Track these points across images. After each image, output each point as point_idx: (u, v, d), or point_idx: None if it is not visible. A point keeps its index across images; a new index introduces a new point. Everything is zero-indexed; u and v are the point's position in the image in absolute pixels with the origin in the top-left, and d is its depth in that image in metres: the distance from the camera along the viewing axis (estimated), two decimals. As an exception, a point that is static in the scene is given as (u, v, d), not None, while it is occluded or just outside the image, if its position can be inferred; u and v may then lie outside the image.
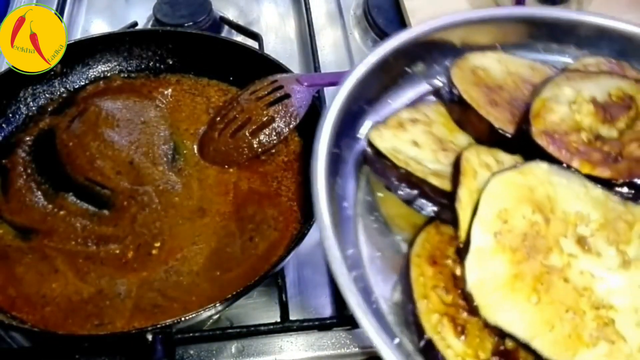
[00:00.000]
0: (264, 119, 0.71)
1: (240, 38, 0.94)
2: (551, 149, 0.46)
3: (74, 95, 0.78)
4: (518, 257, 0.43)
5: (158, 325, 0.54)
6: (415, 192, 0.47)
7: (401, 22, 0.95)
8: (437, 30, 0.54)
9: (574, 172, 0.45)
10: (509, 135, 0.49)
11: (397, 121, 0.51)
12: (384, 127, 0.51)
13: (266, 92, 0.72)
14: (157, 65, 0.82)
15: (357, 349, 0.63)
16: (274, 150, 0.72)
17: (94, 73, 0.81)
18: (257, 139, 0.71)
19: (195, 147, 0.74)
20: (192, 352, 0.62)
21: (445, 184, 0.47)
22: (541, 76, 0.54)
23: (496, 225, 0.43)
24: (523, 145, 0.48)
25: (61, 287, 0.61)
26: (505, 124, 0.50)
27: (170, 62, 0.82)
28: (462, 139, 0.51)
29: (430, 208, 0.47)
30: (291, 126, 0.71)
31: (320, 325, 0.63)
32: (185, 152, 0.73)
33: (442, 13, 0.91)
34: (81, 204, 0.67)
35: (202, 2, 0.96)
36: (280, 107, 0.71)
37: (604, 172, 0.45)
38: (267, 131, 0.71)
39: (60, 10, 0.98)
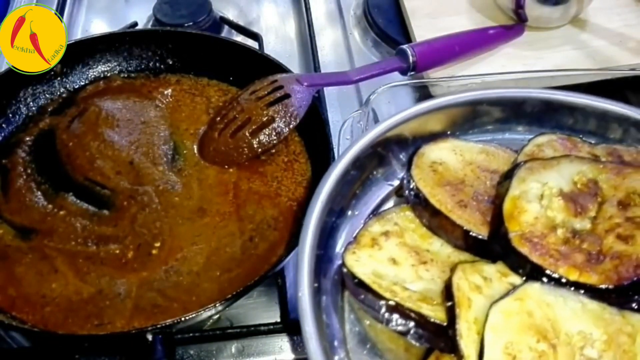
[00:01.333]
0: (264, 119, 0.71)
1: (240, 38, 0.94)
2: (535, 258, 0.46)
3: (74, 95, 0.78)
4: None
5: (158, 325, 0.54)
6: (410, 324, 0.46)
7: (401, 22, 0.95)
8: (391, 128, 0.54)
9: (566, 288, 0.45)
10: (484, 238, 0.49)
11: (369, 238, 0.50)
12: (357, 247, 0.50)
13: (266, 92, 0.72)
14: (157, 65, 0.82)
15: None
16: (274, 150, 0.72)
17: (94, 73, 0.81)
18: (257, 139, 0.71)
19: (195, 147, 0.74)
20: (192, 352, 0.62)
21: (437, 312, 0.46)
22: (497, 161, 0.54)
23: None
24: (500, 249, 0.47)
25: (61, 287, 0.61)
26: (478, 227, 0.50)
27: (170, 62, 0.82)
28: (437, 244, 0.51)
29: (427, 339, 0.47)
30: (291, 126, 0.71)
31: (320, 325, 0.63)
32: (185, 152, 0.73)
33: (442, 13, 0.92)
34: (81, 204, 0.67)
35: (202, 2, 0.96)
36: (280, 107, 0.71)
37: (591, 278, 0.45)
38: (267, 131, 0.71)
39: (60, 10, 0.98)
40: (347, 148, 0.52)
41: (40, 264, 0.62)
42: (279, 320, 0.63)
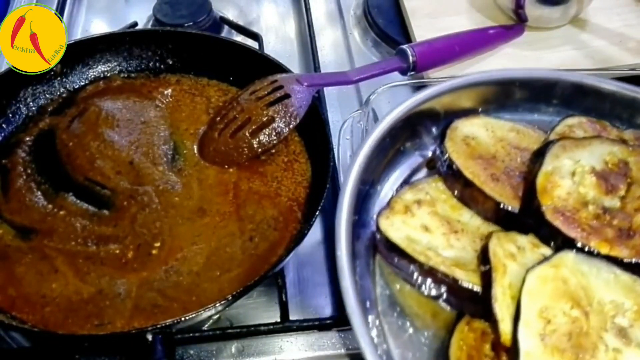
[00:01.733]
0: (264, 119, 0.71)
1: (240, 38, 0.94)
2: (567, 230, 0.47)
3: (74, 95, 0.78)
4: (567, 359, 0.43)
5: (158, 325, 0.54)
6: (442, 289, 0.48)
7: (401, 22, 0.95)
8: (425, 101, 0.55)
9: (599, 259, 0.47)
10: (515, 212, 0.50)
11: (402, 205, 0.52)
12: (391, 213, 0.51)
13: (266, 92, 0.72)
14: (157, 65, 0.82)
15: (357, 349, 0.62)
16: (274, 150, 0.72)
17: (94, 73, 0.81)
18: (257, 139, 0.71)
19: (195, 147, 0.74)
20: (192, 352, 0.62)
21: (470, 277, 0.47)
22: (527, 139, 0.56)
23: (540, 326, 0.44)
24: (532, 222, 0.49)
25: (61, 287, 0.61)
26: (509, 200, 0.51)
27: (170, 62, 0.82)
28: (466, 215, 0.52)
29: (458, 304, 0.48)
30: (291, 126, 0.71)
31: (320, 325, 0.63)
32: (185, 152, 0.73)
33: (442, 13, 0.92)
34: (81, 204, 0.67)
35: (202, 2, 0.96)
36: (280, 107, 0.71)
37: (622, 252, 0.47)
38: (267, 131, 0.71)
39: (60, 10, 0.98)
40: (381, 118, 0.53)
41: (40, 264, 0.62)
42: (279, 320, 0.63)
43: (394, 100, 0.77)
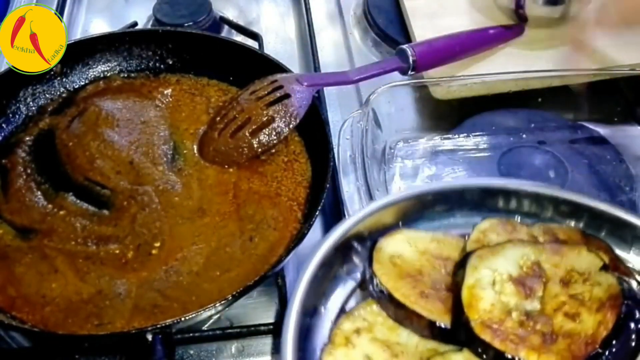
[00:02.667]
0: (264, 119, 0.71)
1: (240, 38, 0.94)
2: (497, 344, 0.48)
3: (74, 95, 0.78)
4: None
5: (158, 325, 0.54)
6: None
7: (401, 22, 0.95)
8: (351, 227, 0.57)
9: None
10: (448, 327, 0.52)
11: (342, 337, 0.52)
12: (333, 347, 0.52)
13: (266, 92, 0.72)
14: (157, 65, 0.82)
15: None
16: (274, 150, 0.72)
17: (94, 73, 0.81)
18: (257, 139, 0.71)
19: (195, 147, 0.74)
20: (192, 352, 0.62)
21: None
22: (448, 248, 0.58)
23: None
24: (464, 336, 0.50)
25: (61, 287, 0.61)
26: (441, 317, 0.52)
27: (170, 62, 0.82)
28: (404, 335, 0.53)
29: None
30: (291, 126, 0.71)
31: (320, 325, 0.63)
32: (185, 152, 0.73)
33: (442, 13, 0.92)
34: (81, 204, 0.67)
35: (202, 2, 0.96)
36: (280, 107, 0.71)
37: (549, 359, 0.47)
38: (267, 131, 0.71)
39: (60, 10, 0.98)
40: (312, 251, 0.54)
41: (40, 264, 0.62)
42: (279, 320, 0.63)
43: (394, 100, 0.78)
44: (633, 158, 0.79)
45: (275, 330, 0.62)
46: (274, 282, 0.66)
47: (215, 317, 0.65)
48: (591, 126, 0.83)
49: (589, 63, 0.85)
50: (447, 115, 0.82)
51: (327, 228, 0.74)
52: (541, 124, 0.83)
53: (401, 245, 0.58)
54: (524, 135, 0.82)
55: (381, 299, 0.55)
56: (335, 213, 0.72)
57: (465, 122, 0.83)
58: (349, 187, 0.70)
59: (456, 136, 0.82)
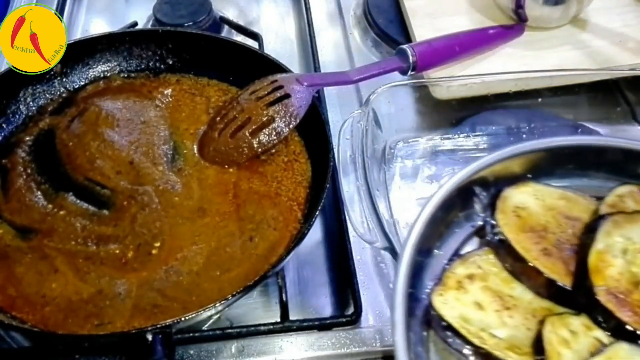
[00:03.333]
0: (264, 119, 0.71)
1: (240, 38, 0.94)
2: (620, 315, 0.47)
3: (74, 95, 0.78)
4: None
5: (158, 325, 0.54)
6: None
7: (401, 22, 0.95)
8: (478, 171, 0.55)
9: None
10: (568, 288, 0.50)
11: (455, 280, 0.52)
12: (444, 289, 0.51)
13: (266, 92, 0.72)
14: (157, 65, 0.82)
15: (357, 349, 0.62)
16: (274, 150, 0.72)
17: (94, 73, 0.81)
18: (257, 139, 0.71)
19: (195, 147, 0.74)
20: (192, 352, 0.62)
21: None
22: (578, 208, 0.56)
23: None
24: (584, 301, 0.49)
25: (61, 287, 0.61)
26: (562, 277, 0.51)
27: (170, 62, 0.82)
28: (518, 289, 0.52)
29: None
30: (291, 126, 0.71)
31: (320, 325, 0.63)
32: (185, 152, 0.73)
33: (442, 13, 0.92)
34: (81, 204, 0.67)
35: (202, 2, 0.96)
36: (280, 107, 0.71)
37: None
38: (267, 131, 0.71)
39: (60, 10, 0.98)
40: (436, 191, 0.53)
41: (40, 264, 0.62)
42: (279, 320, 0.63)
43: (394, 100, 0.78)
44: (633, 158, 0.79)
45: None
46: (274, 282, 0.66)
47: (215, 317, 0.65)
48: (591, 126, 0.83)
49: (589, 63, 0.85)
50: (447, 115, 0.82)
51: (327, 228, 0.74)
52: (541, 124, 0.83)
53: (527, 198, 0.56)
54: (524, 135, 0.82)
55: (500, 250, 0.53)
56: (335, 213, 0.72)
57: (465, 122, 0.83)
58: (349, 187, 0.70)
59: (456, 136, 0.82)
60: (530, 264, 0.51)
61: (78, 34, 0.99)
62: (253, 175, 0.71)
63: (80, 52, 0.79)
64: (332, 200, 0.73)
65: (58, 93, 0.79)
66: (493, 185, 0.57)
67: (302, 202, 0.68)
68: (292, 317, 0.63)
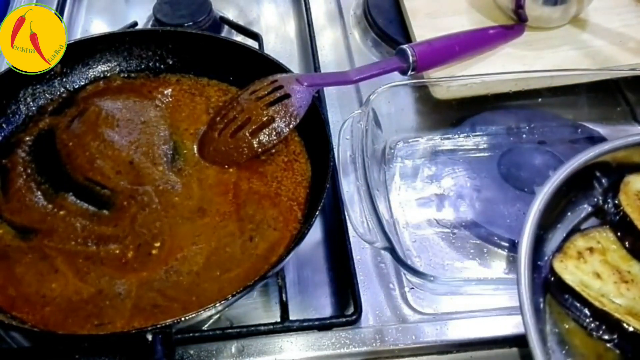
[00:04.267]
0: (264, 119, 0.71)
1: (240, 38, 0.94)
2: None
3: (74, 95, 0.78)
4: None
5: (158, 325, 0.54)
6: (614, 334, 0.50)
7: (401, 22, 0.95)
8: (604, 153, 0.58)
9: None
10: None
11: (575, 251, 0.54)
12: (565, 257, 0.54)
13: (266, 92, 0.72)
14: (157, 65, 0.82)
15: (357, 349, 0.62)
16: (274, 150, 0.72)
17: (94, 73, 0.81)
18: (257, 139, 0.71)
19: (195, 147, 0.74)
20: (192, 352, 0.62)
21: None
22: None
23: None
24: None
25: (61, 287, 0.61)
26: None
27: (170, 62, 0.82)
28: (636, 267, 0.54)
29: (630, 351, 0.50)
30: (291, 126, 0.71)
31: (320, 325, 0.63)
32: (185, 152, 0.73)
33: (442, 13, 0.92)
34: (81, 204, 0.67)
35: (202, 2, 0.96)
36: (280, 107, 0.71)
37: None
38: (267, 131, 0.71)
39: (60, 10, 0.98)
40: (561, 167, 0.56)
41: (40, 264, 0.62)
42: (279, 320, 0.63)
43: (394, 100, 0.78)
44: (633, 158, 0.79)
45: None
46: (274, 282, 0.66)
47: (215, 317, 0.65)
48: (591, 126, 0.83)
49: (589, 63, 0.85)
50: (447, 115, 0.82)
51: (327, 228, 0.74)
52: (541, 124, 0.83)
53: None
54: (524, 135, 0.82)
55: (621, 229, 0.56)
56: (335, 213, 0.72)
57: (465, 122, 0.83)
58: (349, 187, 0.70)
59: (456, 136, 0.82)
60: None
61: (78, 34, 0.99)
62: (253, 175, 0.71)
63: (80, 52, 0.79)
64: (332, 200, 0.73)
65: (58, 93, 0.79)
66: (614, 171, 0.59)
67: (302, 202, 0.68)
68: (292, 317, 0.63)
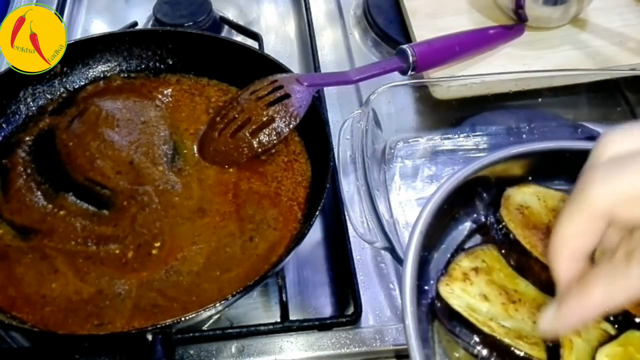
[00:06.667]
0: (264, 119, 0.71)
1: (240, 38, 0.94)
2: (627, 306, 0.48)
3: (74, 95, 0.78)
4: None
5: (158, 325, 0.54)
6: None
7: (401, 22, 0.95)
8: (480, 169, 0.56)
9: None
10: None
11: (461, 272, 0.52)
12: (450, 280, 0.51)
13: (266, 92, 0.72)
14: (157, 65, 0.82)
15: (357, 349, 0.62)
16: (274, 150, 0.72)
17: (94, 73, 0.81)
18: (257, 139, 0.71)
19: (195, 147, 0.74)
20: (192, 352, 0.62)
21: (534, 350, 0.48)
22: None
23: None
24: None
25: (61, 287, 0.61)
26: None
27: (170, 62, 0.82)
28: (522, 285, 0.53)
29: None
30: (291, 126, 0.71)
31: (320, 325, 0.63)
32: (185, 152, 0.73)
33: (442, 13, 0.92)
34: (81, 204, 0.67)
35: (202, 2, 0.96)
36: (280, 107, 0.71)
37: None
38: (267, 131, 0.71)
39: (60, 10, 0.98)
40: (441, 185, 0.54)
41: (40, 264, 0.62)
42: (279, 320, 0.63)
43: (394, 100, 0.78)
44: (633, 158, 0.79)
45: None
46: (274, 282, 0.66)
47: (215, 317, 0.65)
48: (591, 126, 0.83)
49: (589, 63, 0.85)
50: (447, 115, 0.82)
51: (327, 228, 0.74)
52: (541, 124, 0.83)
53: (530, 197, 0.56)
54: (524, 135, 0.82)
55: (504, 246, 0.54)
56: (335, 213, 0.72)
57: (465, 122, 0.83)
58: (349, 187, 0.70)
59: (456, 136, 0.82)
60: (536, 259, 0.52)
61: (78, 34, 0.99)
62: (253, 175, 0.71)
63: (80, 52, 0.79)
64: (332, 200, 0.73)
65: (58, 93, 0.79)
66: (494, 186, 0.57)
67: (302, 202, 0.68)
68: (292, 317, 0.63)
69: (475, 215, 0.57)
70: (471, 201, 0.57)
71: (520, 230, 0.54)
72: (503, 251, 0.54)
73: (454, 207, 0.55)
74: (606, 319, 0.50)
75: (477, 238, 0.56)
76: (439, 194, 0.53)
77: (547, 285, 0.51)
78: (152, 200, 0.67)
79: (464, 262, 0.53)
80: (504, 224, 0.54)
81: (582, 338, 0.48)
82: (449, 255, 0.54)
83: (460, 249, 0.55)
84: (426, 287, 0.51)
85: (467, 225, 0.57)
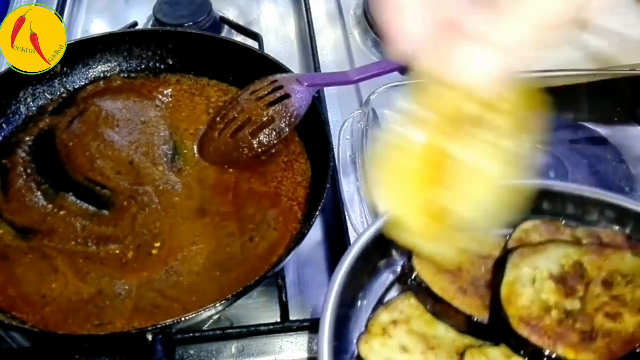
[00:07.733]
0: (264, 119, 0.71)
1: (240, 38, 0.94)
2: (534, 340, 0.50)
3: (74, 95, 0.78)
4: None
5: (158, 325, 0.54)
6: None
7: (401, 22, 0.94)
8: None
9: None
10: (485, 322, 0.53)
11: (379, 327, 0.53)
12: (369, 337, 0.53)
13: (266, 92, 0.72)
14: (157, 65, 0.82)
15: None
16: (274, 150, 0.72)
17: (94, 73, 0.81)
18: (257, 139, 0.71)
19: (195, 147, 0.74)
20: (192, 352, 0.62)
21: None
22: (488, 247, 0.58)
23: None
24: (501, 332, 0.52)
25: (61, 287, 0.61)
26: (479, 312, 0.54)
27: (170, 62, 0.82)
28: (441, 329, 0.54)
29: None
30: (291, 126, 0.71)
31: (320, 325, 0.63)
32: (185, 152, 0.73)
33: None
34: (81, 204, 0.67)
35: (202, 2, 0.96)
36: (280, 107, 0.71)
37: (587, 356, 0.49)
38: (267, 131, 0.71)
39: (60, 10, 0.98)
40: (354, 241, 0.55)
41: (40, 264, 0.62)
42: (279, 320, 0.63)
43: (394, 100, 0.78)
44: (633, 158, 0.79)
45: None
46: (274, 282, 0.66)
47: (215, 317, 0.65)
48: (591, 126, 0.83)
49: (589, 63, 0.85)
50: (447, 115, 0.82)
51: (327, 228, 0.74)
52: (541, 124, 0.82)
53: None
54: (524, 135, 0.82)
55: (419, 292, 0.55)
56: (335, 213, 0.72)
57: (464, 122, 0.82)
58: (349, 187, 0.70)
59: (456, 136, 0.81)
60: (448, 302, 0.54)
61: (78, 34, 0.99)
62: (253, 175, 0.71)
63: (80, 52, 0.79)
64: (332, 200, 0.73)
65: (58, 93, 0.79)
66: None
67: (302, 202, 0.68)
68: (292, 317, 0.63)
69: (393, 265, 0.59)
70: (388, 251, 0.58)
71: (432, 277, 0.55)
72: (420, 298, 0.55)
73: (372, 260, 0.57)
74: (517, 353, 0.51)
75: (398, 287, 0.58)
76: (354, 250, 0.54)
77: (465, 327, 0.54)
78: (152, 200, 0.67)
79: (383, 317, 0.54)
80: (416, 272, 0.56)
81: None
82: (369, 311, 0.56)
83: (380, 302, 0.57)
84: (348, 346, 0.52)
85: (387, 276, 0.58)
